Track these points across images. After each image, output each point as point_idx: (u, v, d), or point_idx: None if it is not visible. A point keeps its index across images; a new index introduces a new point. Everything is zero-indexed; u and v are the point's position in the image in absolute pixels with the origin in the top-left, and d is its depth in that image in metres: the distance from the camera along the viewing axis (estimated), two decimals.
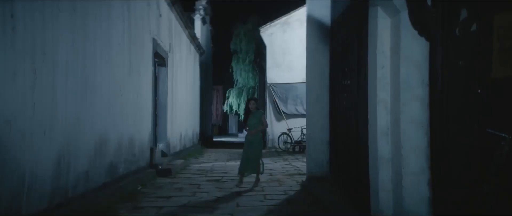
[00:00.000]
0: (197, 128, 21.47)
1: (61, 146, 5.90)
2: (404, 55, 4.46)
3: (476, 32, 3.63)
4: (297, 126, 19.31)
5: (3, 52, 4.55)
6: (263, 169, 9.59)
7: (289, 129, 19.55)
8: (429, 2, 4.22)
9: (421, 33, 4.33)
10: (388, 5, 4.56)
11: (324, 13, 9.03)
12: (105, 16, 7.68)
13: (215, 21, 32.22)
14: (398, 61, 4.50)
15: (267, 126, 10.04)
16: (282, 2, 24.30)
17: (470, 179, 3.68)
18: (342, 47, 7.61)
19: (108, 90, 7.75)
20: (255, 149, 9.22)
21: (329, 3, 8.86)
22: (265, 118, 9.74)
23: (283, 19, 21.63)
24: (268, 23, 21.94)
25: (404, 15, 4.41)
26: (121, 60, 8.56)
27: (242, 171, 9.21)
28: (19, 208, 4.86)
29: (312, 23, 9.35)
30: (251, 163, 9.16)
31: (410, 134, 4.45)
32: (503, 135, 3.04)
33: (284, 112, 20.79)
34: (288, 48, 21.19)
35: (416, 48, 4.43)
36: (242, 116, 10.72)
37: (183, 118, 17.05)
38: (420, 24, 4.26)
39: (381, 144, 4.73)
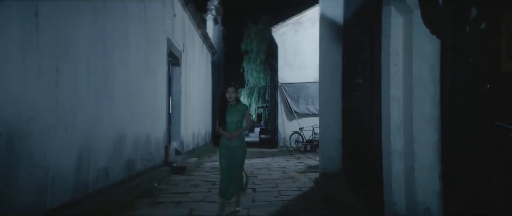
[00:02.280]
0: (209, 127, 21.66)
1: (82, 143, 6.09)
2: (416, 53, 4.59)
3: (485, 30, 3.76)
4: (309, 125, 19.46)
5: (28, 50, 4.75)
6: (246, 184, 6.82)
7: (301, 128, 19.68)
8: (440, 1, 4.36)
9: (433, 32, 4.46)
10: (401, 5, 4.69)
11: (337, 12, 9.16)
12: (123, 16, 7.87)
13: (226, 21, 32.47)
14: (411, 59, 4.63)
15: (252, 125, 7.25)
16: (293, 2, 24.44)
17: (480, 173, 3.81)
18: (354, 46, 7.73)
19: (125, 89, 7.94)
20: (238, 158, 6.44)
21: (341, 3, 8.98)
22: (249, 113, 6.99)
23: (294, 18, 21.76)
24: (280, 23, 22.07)
25: (417, 14, 4.54)
26: (137, 60, 8.76)
27: (225, 193, 6.36)
28: (44, 201, 5.05)
29: (325, 23, 9.49)
30: (234, 179, 6.40)
31: (422, 129, 4.58)
32: (511, 127, 3.17)
33: (295, 112, 20.92)
34: (299, 48, 21.31)
35: (427, 46, 4.56)
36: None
37: (196, 117, 17.24)
38: (432, 22, 4.40)
39: (394, 139, 4.86)
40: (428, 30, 4.48)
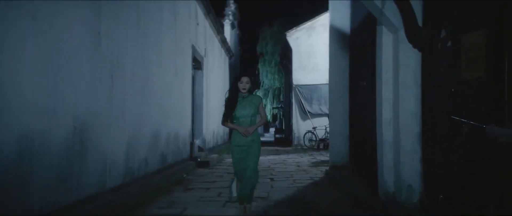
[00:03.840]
0: (226, 127, 22.85)
1: (129, 137, 7.33)
2: (402, 63, 5.77)
3: (451, 47, 4.93)
4: (321, 124, 20.48)
5: (94, 61, 5.99)
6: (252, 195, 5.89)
7: (314, 128, 20.73)
8: (420, 24, 5.54)
9: (414, 47, 5.65)
10: (390, 25, 5.87)
11: (345, 23, 10.32)
12: (159, 28, 9.13)
13: (242, 24, 33.64)
14: (398, 67, 5.81)
15: (266, 120, 6.12)
16: (307, 5, 25.41)
17: (447, 156, 4.98)
18: (359, 53, 8.89)
19: (159, 91, 9.19)
20: (252, 156, 5.73)
21: (348, 14, 10.14)
22: (263, 107, 6.14)
23: (308, 24, 22.82)
24: (294, 28, 23.17)
25: (402, 33, 5.72)
26: (169, 65, 10.01)
27: (245, 197, 5.73)
28: (104, 181, 6.30)
29: (334, 32, 10.67)
30: (250, 182, 5.68)
31: (407, 123, 5.76)
32: (463, 120, 4.31)
33: (309, 112, 21.97)
34: (313, 51, 22.34)
35: (411, 58, 5.74)
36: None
37: (215, 117, 18.46)
38: (413, 40, 5.58)
39: (386, 131, 6.04)
40: (411, 45, 5.67)
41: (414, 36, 5.54)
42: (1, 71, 4.01)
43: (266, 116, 6.06)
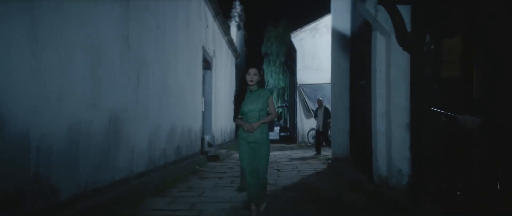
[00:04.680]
0: (233, 125, 23.76)
1: (150, 130, 8.19)
2: (393, 63, 6.62)
3: (434, 50, 5.77)
4: None
5: (124, 63, 6.85)
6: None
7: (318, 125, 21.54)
8: (409, 30, 6.38)
9: (404, 49, 6.51)
10: (383, 30, 6.71)
11: (345, 26, 11.16)
12: (174, 31, 10.00)
13: (247, 25, 34.45)
14: (389, 67, 6.67)
15: (276, 115, 5.85)
16: (310, 4, 26.10)
17: (431, 143, 5.83)
18: (359, 55, 9.74)
19: (176, 90, 10.05)
20: (261, 156, 5.34)
21: (349, 18, 10.98)
22: (273, 101, 5.56)
23: (312, 25, 23.66)
24: (298, 29, 24.01)
25: (393, 37, 6.57)
26: (183, 66, 10.87)
27: (256, 199, 5.29)
28: (132, 167, 7.16)
29: (336, 34, 11.53)
30: (261, 180, 5.30)
31: (397, 116, 6.62)
32: (441, 111, 5.15)
33: (312, 110, 22.77)
34: (316, 52, 23.17)
35: (401, 59, 6.59)
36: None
37: (223, 115, 19.35)
38: (403, 43, 6.43)
39: (379, 123, 6.91)
40: (401, 48, 6.52)
41: (403, 40, 6.38)
42: (59, 71, 4.87)
43: (276, 111, 5.61)
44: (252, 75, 5.28)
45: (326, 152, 15.77)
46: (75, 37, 5.26)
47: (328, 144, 20.18)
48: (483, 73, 4.66)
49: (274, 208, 5.94)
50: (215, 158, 13.22)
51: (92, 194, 5.59)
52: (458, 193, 4.57)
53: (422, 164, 6.13)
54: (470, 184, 4.50)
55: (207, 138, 15.00)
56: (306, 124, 23.04)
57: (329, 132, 20.98)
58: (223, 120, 19.56)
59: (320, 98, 16.89)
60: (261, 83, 5.58)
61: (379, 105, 6.94)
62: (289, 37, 24.36)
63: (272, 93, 5.48)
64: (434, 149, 5.64)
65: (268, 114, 5.45)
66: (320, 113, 15.90)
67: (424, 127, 6.08)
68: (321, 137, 21.01)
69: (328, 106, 21.37)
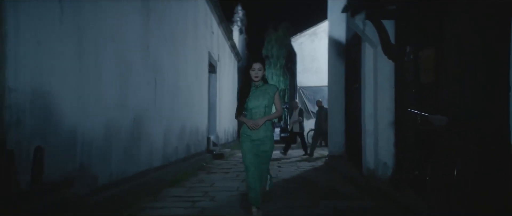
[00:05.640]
0: (236, 126, 24.74)
1: (164, 129, 9.15)
2: (380, 71, 7.62)
3: (413, 59, 6.74)
4: None
5: (144, 69, 7.81)
6: (271, 183, 5.41)
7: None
8: (393, 41, 7.36)
9: (388, 58, 7.49)
10: (371, 42, 7.69)
11: (341, 34, 12.12)
12: (184, 38, 10.97)
13: (248, 28, 35.33)
14: (377, 74, 7.65)
15: (282, 113, 4.83)
16: (310, 9, 26.83)
17: (411, 140, 6.80)
18: (353, 60, 10.70)
19: (185, 92, 11.01)
20: (265, 153, 5.09)
21: (344, 27, 11.93)
22: (279, 97, 5.27)
23: (311, 30, 24.53)
24: (298, 33, 24.91)
25: (379, 48, 7.54)
26: (191, 70, 11.84)
27: (256, 200, 5.03)
28: (151, 162, 8.12)
29: (332, 41, 12.51)
30: (261, 179, 5.11)
31: (383, 116, 7.60)
32: (417, 112, 6.11)
33: (312, 112, 23.66)
34: (316, 55, 23.96)
35: (386, 67, 7.58)
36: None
37: (226, 116, 20.29)
38: (388, 53, 7.41)
39: (368, 123, 7.89)
40: (386, 57, 7.50)
41: (388, 51, 7.36)
42: (98, 77, 5.83)
43: (282, 108, 5.30)
44: (256, 71, 4.99)
45: (325, 152, 16.73)
46: (109, 50, 6.23)
47: (327, 144, 21.16)
48: (451, 79, 5.62)
49: (277, 195, 6.88)
50: (220, 156, 14.19)
51: (121, 182, 6.55)
52: (427, 178, 5.52)
53: (402, 157, 7.10)
54: (436, 171, 5.45)
55: (212, 137, 15.93)
56: (306, 125, 23.79)
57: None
58: (226, 121, 20.53)
59: (320, 99, 17.73)
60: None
61: (367, 106, 7.92)
62: (290, 41, 25.22)
63: (278, 89, 5.21)
64: (412, 143, 6.62)
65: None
66: (320, 114, 16.72)
67: (404, 125, 7.05)
68: (321, 138, 22.04)
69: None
